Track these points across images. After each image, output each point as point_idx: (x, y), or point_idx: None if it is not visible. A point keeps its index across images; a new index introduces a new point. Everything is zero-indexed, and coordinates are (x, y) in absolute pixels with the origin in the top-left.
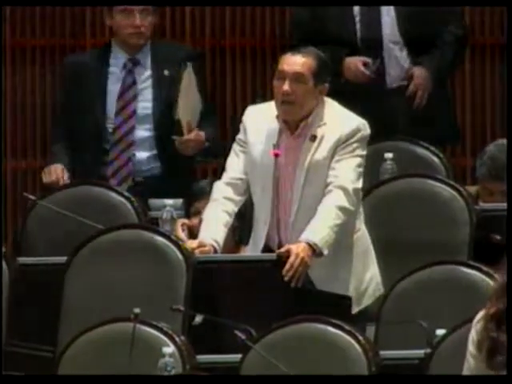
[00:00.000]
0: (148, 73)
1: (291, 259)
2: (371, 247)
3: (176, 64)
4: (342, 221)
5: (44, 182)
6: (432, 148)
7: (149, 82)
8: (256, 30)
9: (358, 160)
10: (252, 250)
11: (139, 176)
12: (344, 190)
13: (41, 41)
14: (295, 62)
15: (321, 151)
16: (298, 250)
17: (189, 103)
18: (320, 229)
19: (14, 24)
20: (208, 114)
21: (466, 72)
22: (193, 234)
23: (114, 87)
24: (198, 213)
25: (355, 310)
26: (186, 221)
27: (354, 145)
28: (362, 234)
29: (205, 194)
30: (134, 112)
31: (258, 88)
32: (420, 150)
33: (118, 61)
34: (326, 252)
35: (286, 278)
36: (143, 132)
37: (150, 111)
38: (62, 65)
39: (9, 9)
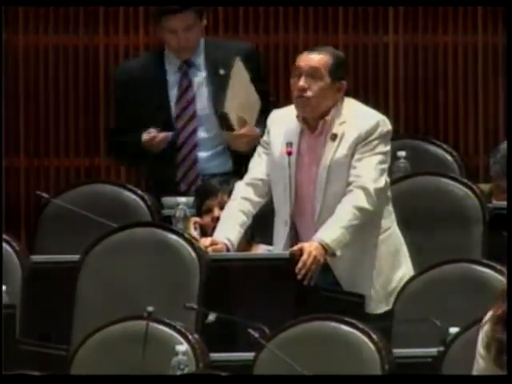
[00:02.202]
0: (203, 74)
1: (304, 257)
2: (404, 247)
3: (230, 62)
4: (360, 221)
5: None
6: (445, 146)
7: (205, 83)
8: (269, 28)
9: (380, 157)
10: (274, 247)
11: (206, 176)
12: (364, 189)
13: (54, 39)
14: (311, 58)
15: (341, 149)
16: (310, 248)
17: (240, 98)
18: (334, 229)
19: (27, 22)
20: (262, 112)
21: (478, 71)
22: (205, 232)
23: (172, 92)
24: (210, 211)
25: (384, 309)
26: (198, 219)
27: (375, 142)
28: (391, 233)
29: (216, 192)
30: (195, 114)
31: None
32: (433, 148)
33: (172, 65)
34: (338, 253)
35: (299, 276)
36: (204, 133)
37: (208, 111)
38: (114, 75)
39: (22, 7)
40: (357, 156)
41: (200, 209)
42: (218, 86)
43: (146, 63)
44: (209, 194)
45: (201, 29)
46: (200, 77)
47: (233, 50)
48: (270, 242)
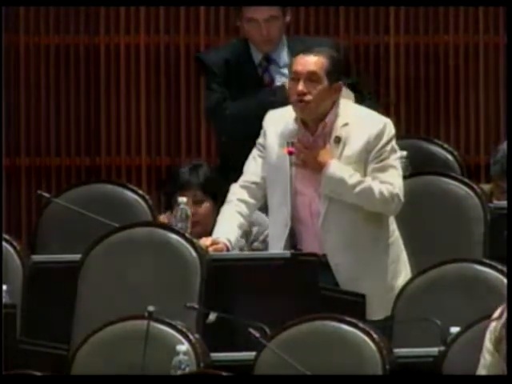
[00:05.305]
0: (284, 70)
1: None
2: (403, 254)
3: None
4: (366, 194)
5: None
6: (446, 146)
7: (285, 78)
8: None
9: (397, 163)
10: (270, 250)
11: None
12: (396, 196)
13: (55, 38)
14: (308, 61)
15: (348, 153)
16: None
17: None
18: (348, 169)
19: (27, 22)
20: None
21: (480, 71)
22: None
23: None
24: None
25: (383, 315)
26: (167, 215)
27: (388, 147)
28: (393, 241)
29: (188, 187)
30: None
31: None
32: (434, 148)
33: (255, 58)
34: (331, 169)
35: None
36: None
37: None
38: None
39: (23, 7)
40: (375, 165)
41: (169, 202)
42: None
43: (235, 51)
44: (180, 187)
45: (283, 24)
46: (281, 72)
47: (318, 45)
48: None
